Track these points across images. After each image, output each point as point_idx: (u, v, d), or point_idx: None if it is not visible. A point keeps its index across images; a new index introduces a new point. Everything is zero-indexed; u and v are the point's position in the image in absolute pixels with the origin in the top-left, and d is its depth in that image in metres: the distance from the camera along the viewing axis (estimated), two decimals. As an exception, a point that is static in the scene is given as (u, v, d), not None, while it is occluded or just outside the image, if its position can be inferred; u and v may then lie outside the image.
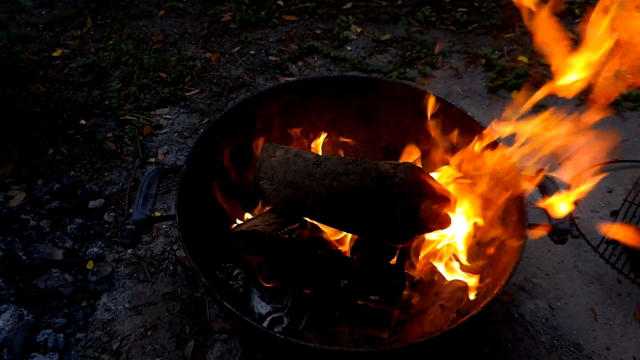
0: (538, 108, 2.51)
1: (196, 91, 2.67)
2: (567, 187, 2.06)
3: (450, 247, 1.49)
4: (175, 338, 1.63)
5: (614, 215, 1.96)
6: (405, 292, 1.38)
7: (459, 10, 3.22)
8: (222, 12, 3.29)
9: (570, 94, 1.19)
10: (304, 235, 1.49)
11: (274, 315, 1.42)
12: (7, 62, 2.75)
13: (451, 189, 1.43)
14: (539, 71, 2.72)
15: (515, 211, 1.38)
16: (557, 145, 1.25)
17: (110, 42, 3.01)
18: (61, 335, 1.59)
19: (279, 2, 3.35)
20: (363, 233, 1.39)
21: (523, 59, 2.80)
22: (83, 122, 2.47)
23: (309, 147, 1.77)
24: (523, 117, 1.33)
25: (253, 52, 2.94)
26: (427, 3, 3.26)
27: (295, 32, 3.10)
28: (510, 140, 1.41)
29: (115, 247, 1.91)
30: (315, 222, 1.49)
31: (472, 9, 3.26)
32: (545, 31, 1.16)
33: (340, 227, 1.41)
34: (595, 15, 1.11)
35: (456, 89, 2.66)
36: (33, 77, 2.75)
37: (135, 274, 1.82)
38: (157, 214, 2.02)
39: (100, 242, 1.91)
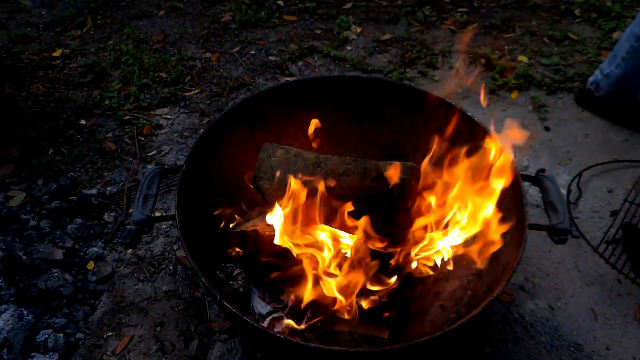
0: (540, 107, 2.52)
1: (196, 91, 2.67)
2: (568, 187, 2.06)
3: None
4: (184, 336, 1.63)
5: (613, 215, 1.96)
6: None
7: (459, 10, 3.22)
8: (222, 12, 3.29)
9: None
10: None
11: (274, 315, 1.43)
12: (7, 62, 2.75)
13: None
14: (539, 71, 2.72)
15: (515, 211, 1.37)
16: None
17: (110, 42, 3.01)
18: (61, 335, 1.59)
19: (279, 2, 3.35)
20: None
21: (523, 59, 2.80)
22: (83, 122, 2.47)
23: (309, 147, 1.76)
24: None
25: (253, 52, 2.94)
26: (427, 3, 3.26)
27: (295, 32, 3.10)
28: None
29: (116, 247, 1.91)
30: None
31: (472, 9, 3.26)
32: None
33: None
34: None
35: (456, 89, 2.66)
36: (33, 77, 2.75)
37: (136, 274, 1.82)
38: (157, 214, 2.02)
39: (100, 242, 1.91)
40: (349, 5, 3.30)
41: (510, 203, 1.41)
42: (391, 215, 1.29)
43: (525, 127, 2.40)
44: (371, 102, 1.79)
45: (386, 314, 1.39)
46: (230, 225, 1.58)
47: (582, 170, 2.12)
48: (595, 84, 2.37)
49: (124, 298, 1.74)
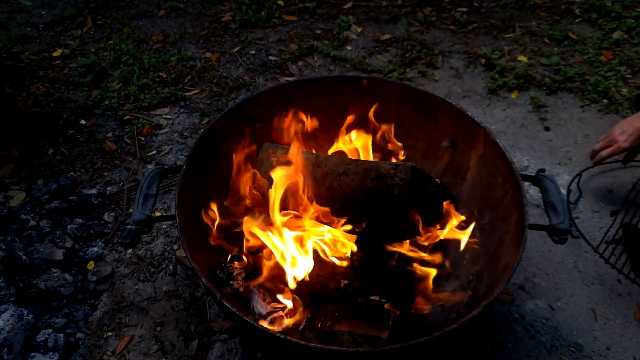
0: (540, 107, 2.52)
1: (196, 91, 2.67)
2: (568, 187, 2.06)
3: None
4: (184, 336, 1.63)
5: (614, 215, 1.96)
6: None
7: (459, 10, 3.22)
8: (222, 12, 3.29)
9: None
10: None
11: (274, 315, 1.42)
12: (7, 62, 2.75)
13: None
14: (539, 71, 2.72)
15: (515, 211, 1.37)
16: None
17: (110, 42, 3.01)
18: (61, 335, 1.59)
19: (279, 2, 3.35)
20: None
21: (523, 59, 2.80)
22: (83, 122, 2.47)
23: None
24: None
25: (253, 52, 2.94)
26: (427, 3, 3.26)
27: (295, 32, 3.10)
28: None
29: (116, 247, 1.91)
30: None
31: (472, 9, 3.26)
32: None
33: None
34: None
35: (456, 89, 2.66)
36: (33, 77, 2.75)
37: (136, 274, 1.82)
38: (157, 214, 2.02)
39: (100, 242, 1.91)
40: (349, 5, 3.30)
41: (510, 203, 1.41)
42: (392, 219, 1.29)
43: (525, 127, 2.41)
44: (371, 102, 1.79)
45: (388, 307, 1.38)
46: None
47: (582, 170, 2.12)
48: None
49: (124, 298, 1.74)
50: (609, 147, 1.78)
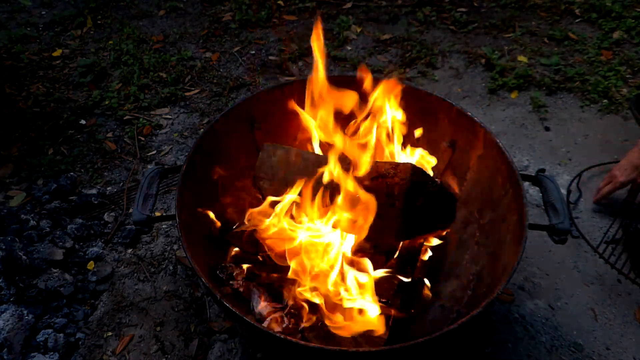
0: (540, 107, 2.52)
1: (196, 91, 2.67)
2: (568, 187, 2.06)
3: None
4: (184, 336, 1.63)
5: (614, 215, 1.96)
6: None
7: (459, 10, 3.22)
8: (222, 12, 3.29)
9: None
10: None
11: (274, 315, 1.42)
12: (7, 62, 2.75)
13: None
14: (539, 71, 2.72)
15: (515, 211, 1.37)
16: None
17: (110, 42, 3.01)
18: (61, 335, 1.59)
19: (279, 2, 3.35)
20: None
21: (523, 59, 2.80)
22: (83, 122, 2.47)
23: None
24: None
25: (253, 52, 2.95)
26: (427, 3, 3.26)
27: (295, 32, 3.10)
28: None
29: (116, 247, 1.91)
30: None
31: (472, 9, 3.26)
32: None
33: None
34: None
35: (456, 89, 2.66)
36: (33, 77, 2.75)
37: (136, 274, 1.82)
38: (157, 214, 2.02)
39: (100, 242, 1.91)
40: (349, 5, 3.30)
41: (511, 203, 1.41)
42: (391, 219, 1.29)
43: (525, 127, 2.41)
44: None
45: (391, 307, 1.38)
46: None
47: (582, 170, 2.12)
48: None
49: (124, 298, 1.74)
50: (610, 184, 1.94)
